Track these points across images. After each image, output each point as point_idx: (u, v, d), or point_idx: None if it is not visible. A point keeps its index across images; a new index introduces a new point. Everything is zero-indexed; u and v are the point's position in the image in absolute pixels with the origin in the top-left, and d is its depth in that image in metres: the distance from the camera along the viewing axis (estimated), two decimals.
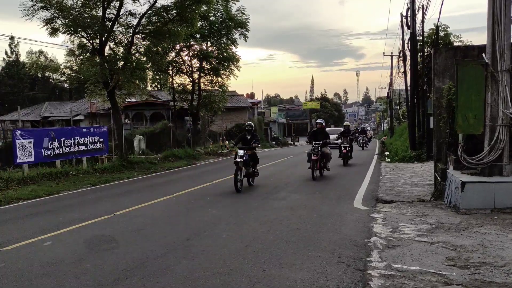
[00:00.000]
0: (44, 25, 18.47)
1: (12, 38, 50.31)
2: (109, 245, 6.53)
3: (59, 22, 18.60)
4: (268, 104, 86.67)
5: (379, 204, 9.27)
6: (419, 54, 20.56)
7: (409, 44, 21.15)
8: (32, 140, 15.46)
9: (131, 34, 20.37)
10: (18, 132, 15.34)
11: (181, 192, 11.75)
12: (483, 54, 8.17)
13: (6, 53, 55.58)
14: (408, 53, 22.90)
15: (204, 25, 27.78)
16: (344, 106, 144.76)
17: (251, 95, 65.81)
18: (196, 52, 29.06)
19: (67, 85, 51.80)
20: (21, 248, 6.60)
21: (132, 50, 20.59)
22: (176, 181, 15.13)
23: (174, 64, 28.93)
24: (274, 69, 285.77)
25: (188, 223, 7.93)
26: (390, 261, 5.24)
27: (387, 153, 23.62)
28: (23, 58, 54.65)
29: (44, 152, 15.99)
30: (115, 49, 20.85)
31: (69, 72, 20.90)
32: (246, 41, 29.50)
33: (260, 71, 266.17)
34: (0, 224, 8.84)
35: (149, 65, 22.20)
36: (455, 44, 20.73)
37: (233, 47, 29.53)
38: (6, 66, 55.73)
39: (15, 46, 55.28)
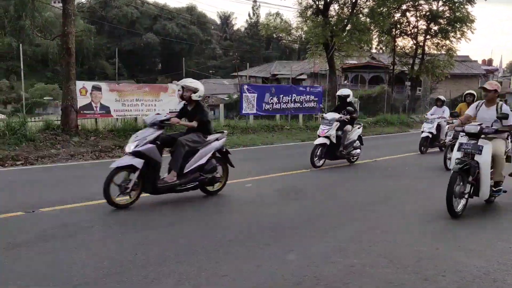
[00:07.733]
0: None
1: (255, 1, 55.98)
2: (296, 195, 7.13)
3: None
4: (510, 73, 74.81)
5: None
6: None
7: None
8: (255, 95, 17.41)
9: None
10: (245, 87, 17.48)
11: (380, 158, 11.65)
12: None
13: (249, 15, 62.64)
14: None
15: None
16: None
17: (489, 62, 57.94)
18: (424, 13, 27.10)
19: (296, 45, 55.35)
20: (229, 186, 7.55)
21: (355, 11, 20.61)
22: (381, 147, 14.88)
23: (398, 26, 27.68)
24: None
25: (371, 190, 7.71)
26: None
27: None
28: (262, 19, 60.63)
29: (265, 106, 17.84)
30: (338, 11, 21.25)
31: (295, 33, 22.41)
32: None
33: (503, 34, 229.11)
34: None
35: (370, 27, 21.92)
36: None
37: (468, 6, 26.35)
38: (248, 27, 62.85)
39: (257, 9, 61.62)
